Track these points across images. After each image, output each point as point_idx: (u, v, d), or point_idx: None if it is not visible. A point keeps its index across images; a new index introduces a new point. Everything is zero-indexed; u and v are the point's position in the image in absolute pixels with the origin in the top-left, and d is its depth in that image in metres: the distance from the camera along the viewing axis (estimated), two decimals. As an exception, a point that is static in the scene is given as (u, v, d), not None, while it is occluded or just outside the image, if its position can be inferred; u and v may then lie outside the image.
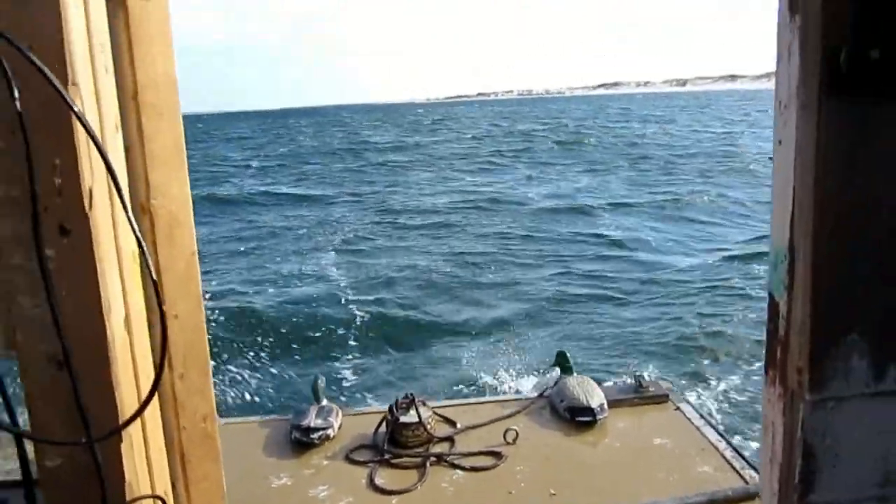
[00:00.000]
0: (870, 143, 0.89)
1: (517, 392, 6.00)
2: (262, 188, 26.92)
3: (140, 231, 1.20)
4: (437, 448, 3.04)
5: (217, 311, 9.57)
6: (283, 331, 9.31)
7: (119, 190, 1.16)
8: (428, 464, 2.89)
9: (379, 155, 40.80)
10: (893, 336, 0.95)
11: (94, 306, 1.20)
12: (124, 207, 1.16)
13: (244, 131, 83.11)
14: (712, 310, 9.60)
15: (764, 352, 1.06)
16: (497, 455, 2.92)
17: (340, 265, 13.38)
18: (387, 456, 2.96)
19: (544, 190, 23.35)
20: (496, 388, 7.02)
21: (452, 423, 3.24)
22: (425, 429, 3.06)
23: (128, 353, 1.32)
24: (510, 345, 8.42)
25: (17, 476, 1.76)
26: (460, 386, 7.26)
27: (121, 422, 1.25)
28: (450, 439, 3.10)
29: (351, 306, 10.34)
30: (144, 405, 1.24)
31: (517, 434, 3.05)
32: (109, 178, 1.19)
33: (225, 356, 8.06)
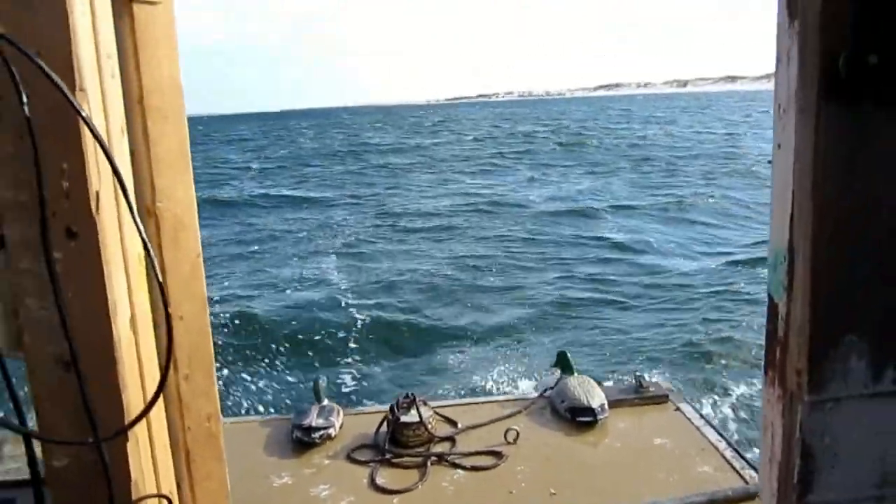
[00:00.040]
0: (868, 148, 0.90)
1: (518, 392, 6.00)
2: (263, 191, 26.86)
3: (146, 234, 1.22)
4: (438, 448, 3.05)
5: (217, 316, 9.51)
6: (284, 335, 9.28)
7: (126, 193, 1.18)
8: (429, 463, 2.90)
9: (380, 157, 40.71)
10: (892, 337, 0.95)
11: (101, 308, 1.22)
12: (131, 211, 1.18)
13: (244, 133, 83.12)
14: (718, 315, 9.46)
15: (763, 353, 1.07)
16: (498, 455, 2.93)
17: (341, 269, 13.31)
18: (388, 455, 2.97)
19: (546, 192, 23.23)
20: (498, 391, 6.98)
21: (453, 423, 3.25)
22: (426, 428, 3.07)
23: (134, 355, 1.34)
24: (512, 351, 8.36)
25: (21, 475, 1.78)
26: (462, 392, 7.21)
27: (126, 422, 1.26)
28: (451, 439, 3.11)
29: (351, 310, 10.29)
30: (150, 405, 1.25)
31: (518, 434, 3.06)
32: (116, 181, 1.21)
33: (227, 360, 8.04)
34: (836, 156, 0.90)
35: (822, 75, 0.88)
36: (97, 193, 1.19)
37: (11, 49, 1.07)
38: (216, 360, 1.76)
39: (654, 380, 3.58)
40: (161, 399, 1.41)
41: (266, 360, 8.45)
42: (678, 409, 3.31)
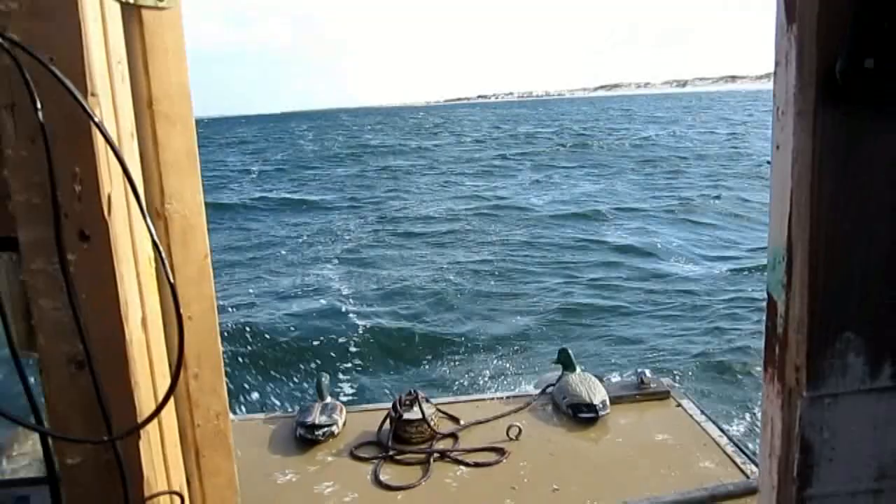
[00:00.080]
0: (864, 149, 0.92)
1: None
2: (263, 194, 26.65)
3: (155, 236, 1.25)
4: (441, 444, 3.07)
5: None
6: (283, 342, 9.16)
7: (137, 196, 1.21)
8: (431, 460, 2.92)
9: (380, 159, 40.42)
10: (888, 334, 0.97)
11: (113, 308, 1.24)
12: (142, 213, 1.21)
13: (244, 135, 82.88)
14: (729, 323, 9.18)
15: (763, 350, 1.08)
16: (500, 451, 2.95)
17: (342, 274, 13.14)
18: (391, 452, 2.99)
19: (550, 195, 22.94)
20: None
21: (455, 420, 3.27)
22: (429, 425, 3.09)
23: (145, 354, 1.36)
24: (515, 360, 8.21)
25: (33, 473, 1.81)
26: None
27: (139, 420, 1.29)
28: (453, 436, 3.13)
29: (352, 316, 10.17)
30: (163, 404, 1.28)
31: (520, 430, 3.08)
32: (127, 184, 1.23)
33: (226, 367, 7.79)
34: (833, 157, 0.91)
35: (820, 78, 0.90)
36: (109, 196, 1.22)
37: (26, 56, 1.10)
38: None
39: (654, 376, 3.59)
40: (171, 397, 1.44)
41: (266, 367, 8.33)
42: (679, 404, 3.33)
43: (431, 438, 3.08)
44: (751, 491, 2.54)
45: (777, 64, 0.97)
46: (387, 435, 3.08)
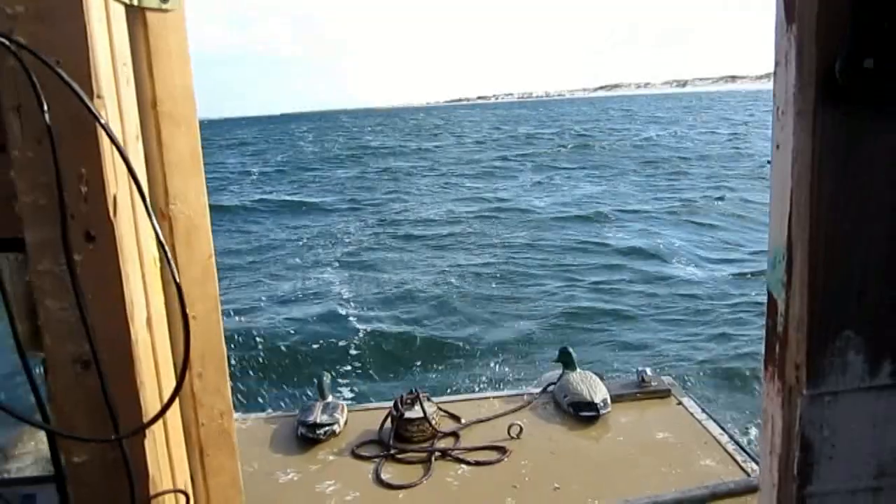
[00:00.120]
0: (863, 149, 0.92)
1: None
2: (263, 196, 26.56)
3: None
4: (442, 443, 3.07)
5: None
6: (283, 346, 9.13)
7: (144, 197, 1.22)
8: (433, 458, 2.92)
9: (381, 160, 40.26)
10: (888, 332, 0.98)
11: (119, 309, 1.25)
12: (148, 214, 1.22)
13: (244, 137, 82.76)
14: (735, 329, 9.04)
15: (763, 348, 1.08)
16: (501, 450, 2.96)
17: (342, 278, 13.05)
18: (392, 451, 2.99)
19: (552, 197, 22.79)
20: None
21: (457, 419, 3.28)
22: (430, 424, 3.10)
23: (150, 354, 1.37)
24: (517, 365, 8.14)
25: (37, 472, 1.82)
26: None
27: (144, 419, 1.30)
28: (454, 434, 3.13)
29: (352, 320, 10.13)
30: (169, 403, 1.29)
31: (521, 429, 3.08)
32: (132, 185, 1.25)
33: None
34: (832, 157, 0.92)
35: (820, 78, 0.90)
36: (114, 197, 1.23)
37: (32, 59, 1.11)
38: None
39: (655, 374, 3.60)
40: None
41: (265, 372, 8.32)
42: (680, 403, 3.34)
43: (433, 437, 3.09)
44: (751, 489, 2.54)
45: (777, 64, 0.97)
46: (388, 434, 3.09)
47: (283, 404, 7.31)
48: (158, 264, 1.45)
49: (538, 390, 3.54)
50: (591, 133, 54.25)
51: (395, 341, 9.31)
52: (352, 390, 7.77)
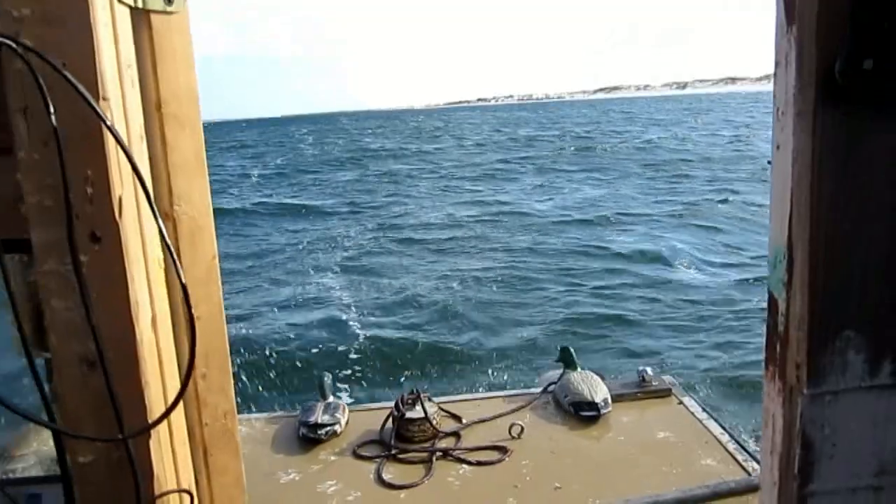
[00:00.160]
0: (864, 149, 0.93)
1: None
2: (263, 199, 26.43)
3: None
4: (443, 443, 3.08)
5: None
6: (283, 351, 9.04)
7: (150, 198, 1.23)
8: (434, 458, 2.93)
9: (381, 163, 40.06)
10: (888, 332, 0.98)
11: (124, 309, 1.26)
12: (154, 215, 1.23)
13: (245, 139, 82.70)
14: (742, 337, 8.87)
15: (764, 348, 1.09)
16: (502, 449, 2.96)
17: (343, 283, 12.92)
18: (393, 451, 3.00)
19: (554, 200, 22.64)
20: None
21: (458, 419, 3.29)
22: (431, 424, 3.10)
23: (155, 354, 1.38)
24: (518, 371, 8.06)
25: (35, 472, 1.83)
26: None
27: (149, 419, 1.31)
28: (455, 434, 3.14)
29: (353, 325, 10.05)
30: (175, 403, 1.29)
31: (522, 429, 3.09)
32: (139, 186, 1.26)
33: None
34: (832, 157, 0.93)
35: (819, 79, 0.91)
36: (120, 198, 1.24)
37: (39, 61, 1.12)
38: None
39: (656, 373, 3.60)
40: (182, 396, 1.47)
41: (265, 378, 8.22)
42: (681, 402, 3.34)
43: (434, 437, 3.09)
44: (752, 488, 2.55)
45: (777, 65, 0.98)
46: (389, 434, 3.09)
47: (280, 410, 7.25)
48: (163, 265, 1.46)
49: (539, 390, 3.54)
50: (591, 135, 53.91)
51: (396, 347, 9.23)
52: (351, 396, 7.70)
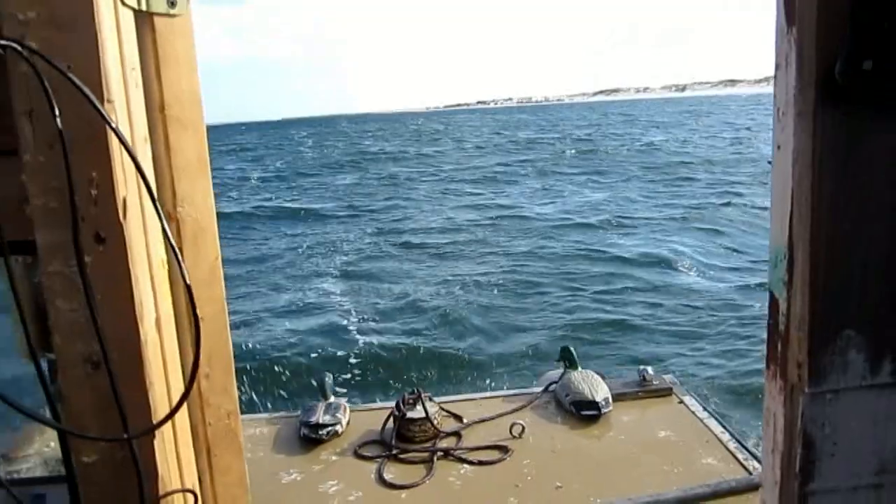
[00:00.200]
0: (864, 149, 0.93)
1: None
2: (262, 202, 26.41)
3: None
4: (444, 443, 3.08)
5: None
6: (283, 358, 9.02)
7: (154, 200, 1.24)
8: (435, 458, 2.93)
9: (381, 166, 40.02)
10: (888, 331, 0.99)
11: (129, 310, 1.27)
12: (159, 216, 1.24)
13: (244, 142, 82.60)
14: (746, 344, 8.77)
15: (765, 347, 1.10)
16: (503, 449, 2.97)
17: (342, 288, 12.87)
18: (394, 451, 3.00)
19: (555, 203, 22.52)
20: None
21: (459, 418, 3.29)
22: (432, 424, 3.10)
23: (159, 354, 1.39)
24: (519, 377, 7.94)
25: (38, 473, 1.84)
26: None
27: (153, 419, 1.32)
28: (456, 434, 3.14)
29: (352, 331, 10.02)
30: (180, 404, 1.30)
31: (523, 428, 3.09)
32: (143, 188, 1.27)
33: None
34: (833, 157, 0.93)
35: (819, 79, 0.91)
36: (124, 200, 1.25)
37: (44, 64, 1.13)
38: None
39: (657, 373, 3.61)
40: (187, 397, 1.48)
41: (264, 384, 8.16)
42: (682, 401, 3.35)
43: (435, 437, 3.10)
44: (753, 487, 2.55)
45: (777, 66, 0.99)
46: (390, 434, 3.10)
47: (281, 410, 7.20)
48: (167, 266, 1.47)
49: (540, 389, 3.54)
50: (592, 138, 53.82)
51: (396, 352, 9.19)
52: (351, 401, 7.60)
